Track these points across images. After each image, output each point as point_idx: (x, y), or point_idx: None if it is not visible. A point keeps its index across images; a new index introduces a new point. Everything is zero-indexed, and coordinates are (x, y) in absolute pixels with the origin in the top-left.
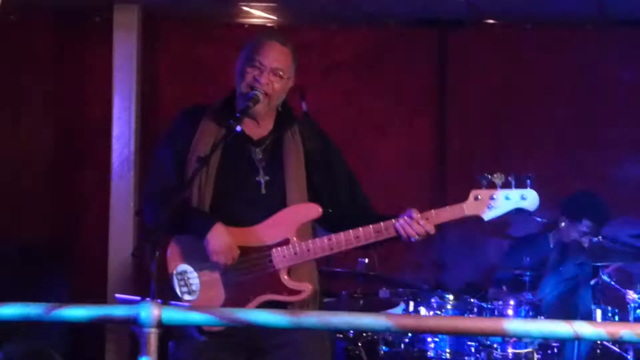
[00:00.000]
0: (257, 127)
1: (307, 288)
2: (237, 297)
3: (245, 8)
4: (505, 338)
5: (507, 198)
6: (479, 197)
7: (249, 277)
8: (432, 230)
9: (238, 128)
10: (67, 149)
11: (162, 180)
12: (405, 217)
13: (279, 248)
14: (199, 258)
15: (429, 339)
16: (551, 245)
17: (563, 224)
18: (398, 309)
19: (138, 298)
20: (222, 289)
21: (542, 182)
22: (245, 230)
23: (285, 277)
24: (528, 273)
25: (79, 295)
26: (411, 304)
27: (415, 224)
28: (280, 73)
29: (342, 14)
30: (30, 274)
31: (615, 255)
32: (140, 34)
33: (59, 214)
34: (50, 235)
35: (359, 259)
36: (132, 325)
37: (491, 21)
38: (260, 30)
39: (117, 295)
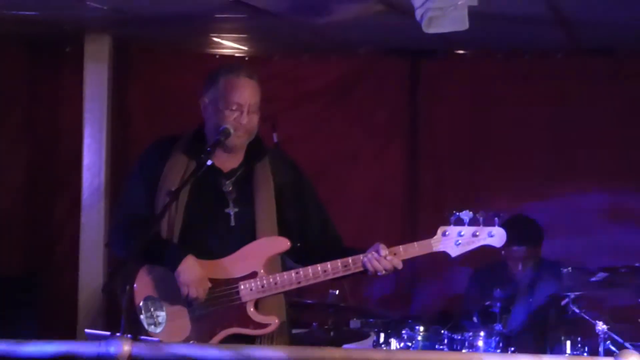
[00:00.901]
0: (228, 158)
1: (273, 321)
2: (202, 330)
3: (216, 39)
4: None
5: (474, 235)
6: (447, 233)
7: (216, 309)
8: (399, 266)
9: (209, 162)
10: (39, 179)
11: (132, 212)
12: (373, 253)
13: (246, 281)
14: (166, 289)
15: None
16: (513, 272)
17: (503, 252)
18: (368, 341)
19: (108, 333)
20: (188, 321)
21: (516, 211)
22: (214, 263)
23: (252, 310)
24: (498, 304)
25: (49, 327)
26: (382, 335)
27: (383, 260)
28: (255, 108)
29: (313, 44)
30: None
31: (585, 285)
32: (111, 64)
33: (30, 245)
34: (21, 267)
35: (330, 290)
36: None
37: (462, 51)
38: (229, 60)
39: (87, 330)
